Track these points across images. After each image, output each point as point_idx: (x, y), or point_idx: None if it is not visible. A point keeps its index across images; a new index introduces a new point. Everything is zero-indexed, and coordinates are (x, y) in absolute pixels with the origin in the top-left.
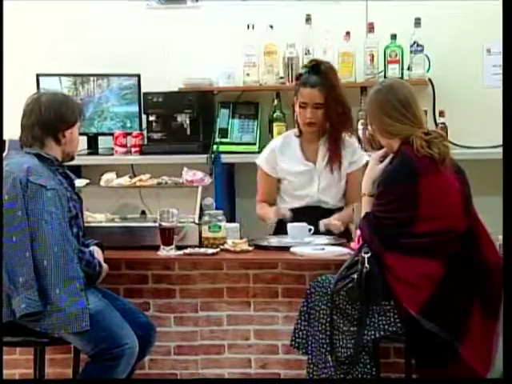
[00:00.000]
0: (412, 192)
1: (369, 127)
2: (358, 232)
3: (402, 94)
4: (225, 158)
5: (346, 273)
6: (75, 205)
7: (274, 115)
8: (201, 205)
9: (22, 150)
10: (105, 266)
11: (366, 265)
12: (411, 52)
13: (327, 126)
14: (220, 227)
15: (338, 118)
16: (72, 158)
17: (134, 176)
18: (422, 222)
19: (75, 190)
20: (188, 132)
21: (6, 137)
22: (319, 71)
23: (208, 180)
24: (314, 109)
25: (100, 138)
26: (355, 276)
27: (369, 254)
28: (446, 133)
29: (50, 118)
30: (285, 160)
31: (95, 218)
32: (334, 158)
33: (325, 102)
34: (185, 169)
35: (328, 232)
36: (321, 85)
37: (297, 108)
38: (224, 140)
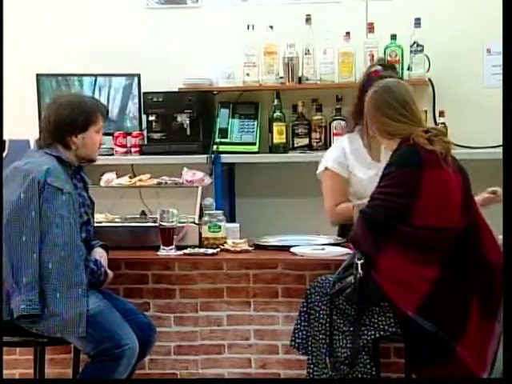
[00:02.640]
0: (414, 181)
1: (369, 129)
2: None
3: (398, 93)
4: (225, 158)
5: (342, 274)
6: (87, 210)
7: (274, 115)
8: (201, 205)
9: (40, 150)
10: (110, 274)
11: (360, 270)
12: (411, 52)
13: None
14: (220, 227)
15: None
16: (91, 161)
17: (134, 176)
18: (419, 214)
19: (88, 194)
20: (188, 132)
21: (5, 137)
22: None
23: (208, 180)
24: None
25: None
26: (351, 279)
27: (362, 261)
28: (446, 133)
29: (56, 124)
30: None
31: (95, 218)
32: None
33: None
34: (185, 169)
35: None
36: None
37: None
38: (224, 140)
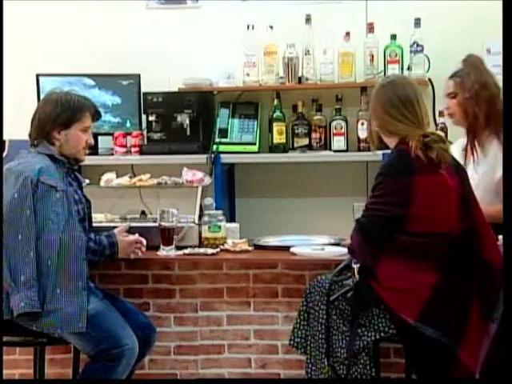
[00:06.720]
0: (406, 189)
1: (372, 123)
2: None
3: (403, 92)
4: (225, 158)
5: (338, 276)
6: (83, 208)
7: (274, 115)
8: (201, 205)
9: (33, 150)
10: (120, 240)
11: (356, 275)
12: (411, 52)
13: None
14: (220, 227)
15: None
16: (77, 160)
17: (134, 176)
18: (414, 221)
19: (83, 193)
20: (188, 132)
21: (5, 137)
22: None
23: (208, 180)
24: (450, 99)
25: (100, 137)
26: (349, 283)
27: (358, 265)
28: (446, 133)
29: (40, 119)
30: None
31: (95, 218)
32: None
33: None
34: (185, 169)
35: None
36: (455, 75)
37: None
38: (224, 140)
